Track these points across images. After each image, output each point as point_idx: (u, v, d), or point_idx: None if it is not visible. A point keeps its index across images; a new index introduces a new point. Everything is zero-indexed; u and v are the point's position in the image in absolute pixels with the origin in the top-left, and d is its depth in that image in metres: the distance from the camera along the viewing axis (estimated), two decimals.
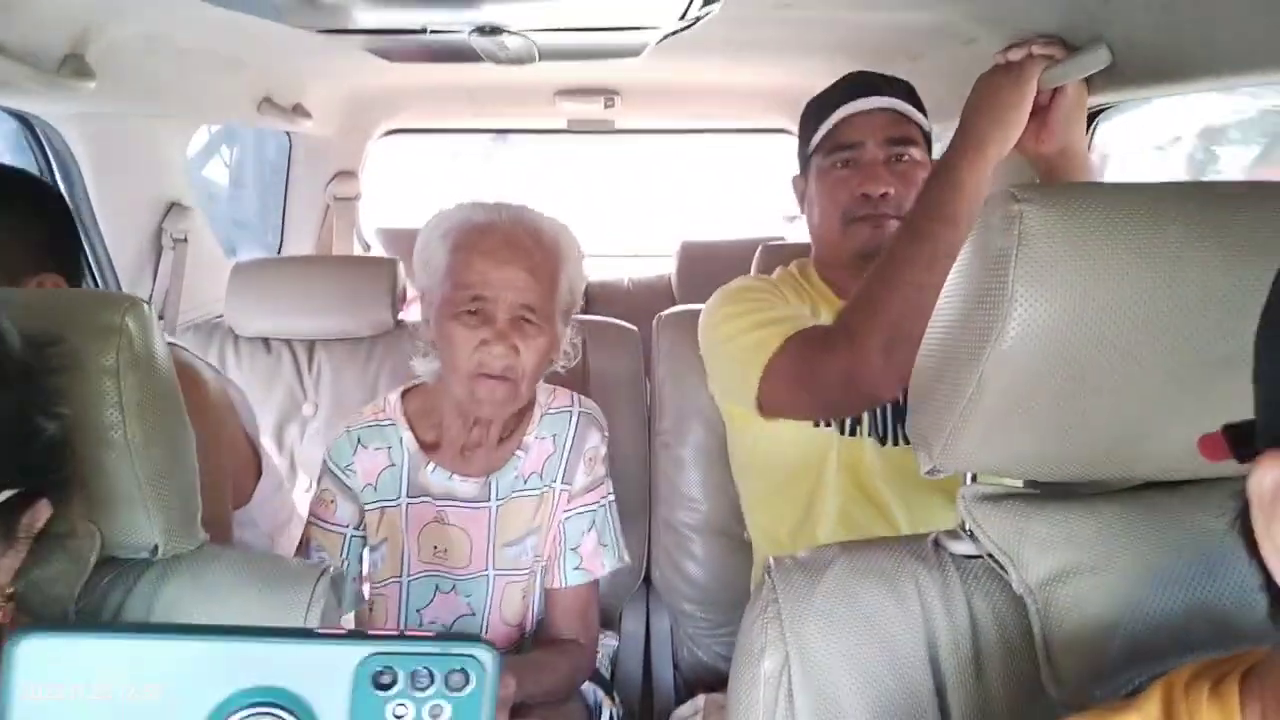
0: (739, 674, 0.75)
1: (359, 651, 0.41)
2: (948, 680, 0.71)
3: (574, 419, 1.35)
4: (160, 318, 1.98)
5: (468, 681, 0.41)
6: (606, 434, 1.39)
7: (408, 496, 1.31)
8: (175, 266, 2.02)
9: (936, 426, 0.69)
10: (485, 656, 0.41)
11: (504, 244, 1.20)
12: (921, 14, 1.44)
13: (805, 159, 1.39)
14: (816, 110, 1.36)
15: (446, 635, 0.42)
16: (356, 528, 1.31)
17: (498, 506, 1.31)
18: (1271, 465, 0.43)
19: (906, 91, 1.34)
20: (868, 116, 1.30)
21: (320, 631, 0.42)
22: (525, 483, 1.32)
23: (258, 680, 0.40)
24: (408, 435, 1.31)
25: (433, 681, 0.41)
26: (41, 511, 0.64)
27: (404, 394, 1.36)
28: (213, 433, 1.22)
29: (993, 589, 0.73)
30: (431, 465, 1.30)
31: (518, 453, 1.32)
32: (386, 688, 0.41)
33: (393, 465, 1.31)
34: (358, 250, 3.07)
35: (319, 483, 1.34)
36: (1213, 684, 0.50)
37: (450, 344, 1.20)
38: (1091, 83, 1.15)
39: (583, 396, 1.40)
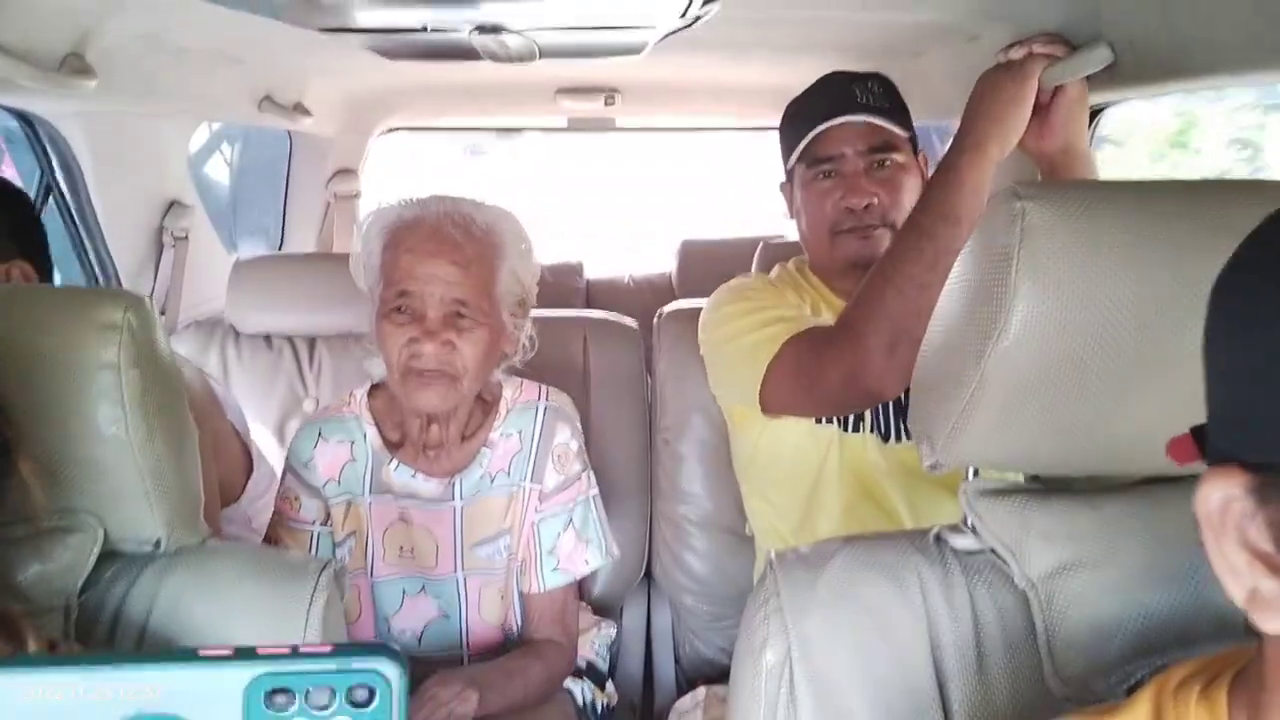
0: (741, 666, 0.75)
1: (248, 672, 0.40)
2: (949, 674, 0.71)
3: (540, 414, 1.31)
4: (161, 314, 1.98)
5: (373, 697, 0.39)
6: (578, 427, 1.34)
7: (371, 493, 1.28)
8: (176, 264, 2.02)
9: (939, 421, 0.69)
10: (390, 670, 0.39)
11: (430, 238, 1.17)
12: (924, 12, 1.44)
13: (788, 168, 1.38)
14: (793, 121, 1.35)
15: (346, 648, 0.40)
16: (323, 524, 1.29)
17: (462, 507, 1.28)
18: (1215, 482, 0.42)
19: (883, 92, 1.32)
20: (845, 129, 1.29)
21: (205, 654, 0.41)
22: (493, 481, 1.29)
23: (143, 708, 0.39)
24: (371, 431, 1.29)
25: (334, 699, 0.39)
26: None
27: (370, 390, 1.33)
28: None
29: (995, 583, 0.73)
30: (395, 463, 1.28)
31: (483, 450, 1.29)
32: (282, 708, 0.39)
33: (354, 460, 1.28)
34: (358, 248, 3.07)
35: (281, 481, 1.31)
36: (1203, 686, 0.50)
37: (383, 343, 1.18)
38: (1092, 81, 1.15)
39: (551, 389, 1.35)
